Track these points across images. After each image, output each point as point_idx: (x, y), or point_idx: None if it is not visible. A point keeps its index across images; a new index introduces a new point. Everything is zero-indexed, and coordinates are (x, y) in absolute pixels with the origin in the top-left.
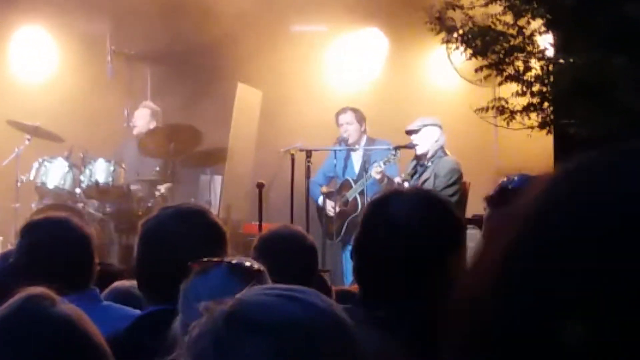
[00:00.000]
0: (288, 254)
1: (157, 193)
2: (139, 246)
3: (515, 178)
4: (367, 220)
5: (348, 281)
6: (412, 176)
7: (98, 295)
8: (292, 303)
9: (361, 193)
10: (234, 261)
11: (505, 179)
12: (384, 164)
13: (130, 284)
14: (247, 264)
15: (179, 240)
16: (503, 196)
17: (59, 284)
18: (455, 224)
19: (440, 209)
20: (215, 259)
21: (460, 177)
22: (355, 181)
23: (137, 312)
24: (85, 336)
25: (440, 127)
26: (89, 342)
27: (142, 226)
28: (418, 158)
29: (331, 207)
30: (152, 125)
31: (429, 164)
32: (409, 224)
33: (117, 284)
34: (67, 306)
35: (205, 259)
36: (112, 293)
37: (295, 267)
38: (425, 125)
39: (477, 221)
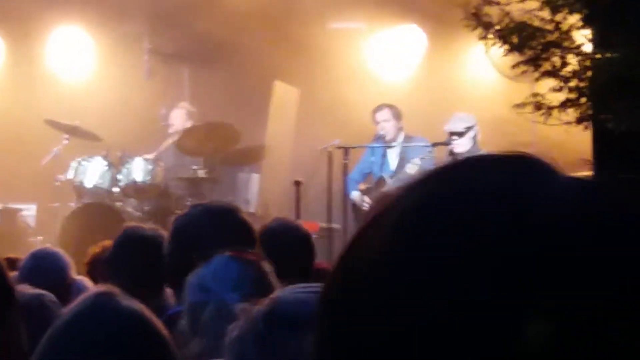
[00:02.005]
0: (282, 247)
1: (195, 191)
2: (169, 243)
3: None
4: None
5: None
6: None
7: None
8: None
9: None
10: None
11: None
12: (420, 161)
13: None
14: (248, 252)
15: (208, 238)
16: None
17: None
18: None
19: None
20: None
21: None
22: (391, 178)
23: None
24: (155, 329)
25: (476, 124)
26: (159, 335)
27: (172, 223)
28: (454, 154)
29: (367, 203)
30: (188, 124)
31: None
32: None
33: None
34: (133, 301)
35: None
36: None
37: (290, 258)
38: (469, 129)
39: None
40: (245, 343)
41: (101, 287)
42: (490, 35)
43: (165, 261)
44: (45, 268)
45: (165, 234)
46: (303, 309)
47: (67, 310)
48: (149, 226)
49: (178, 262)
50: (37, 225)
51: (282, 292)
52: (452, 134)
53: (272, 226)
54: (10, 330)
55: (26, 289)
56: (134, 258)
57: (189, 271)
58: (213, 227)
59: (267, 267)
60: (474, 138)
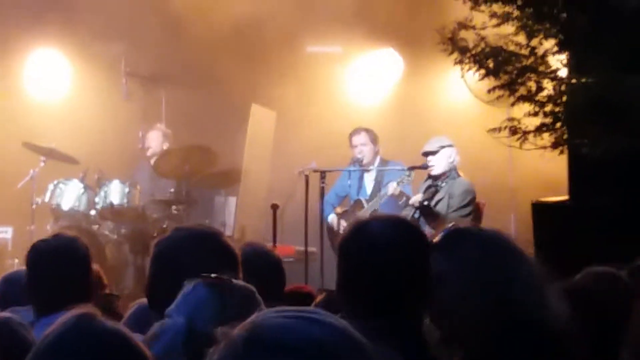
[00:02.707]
0: (254, 271)
1: (171, 214)
2: (151, 266)
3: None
4: (349, 242)
5: None
6: (429, 196)
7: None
8: (311, 324)
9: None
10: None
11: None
12: (398, 184)
13: None
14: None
15: (191, 262)
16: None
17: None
18: (426, 246)
19: (415, 232)
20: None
21: (473, 198)
22: (368, 201)
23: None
24: (138, 350)
25: (454, 146)
26: (141, 355)
27: (155, 246)
28: (432, 178)
29: (343, 227)
30: (165, 146)
31: (443, 184)
32: (388, 246)
33: (143, 300)
34: (115, 322)
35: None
36: (140, 309)
37: (262, 282)
38: (443, 147)
39: None
40: None
41: (80, 309)
42: (466, 60)
43: (146, 284)
44: (19, 290)
45: (77, 238)
46: (283, 335)
47: (48, 333)
48: (57, 236)
49: (160, 286)
50: (13, 248)
51: (260, 316)
52: (426, 154)
53: (244, 250)
54: None
55: None
56: (49, 273)
57: (171, 294)
58: (196, 251)
59: (239, 291)
60: (452, 162)
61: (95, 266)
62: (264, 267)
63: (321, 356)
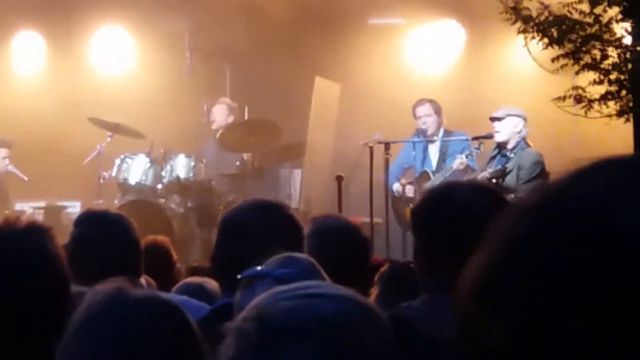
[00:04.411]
0: (341, 248)
1: (238, 188)
2: (217, 236)
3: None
4: (426, 210)
5: None
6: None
7: None
8: (319, 300)
9: None
10: (277, 272)
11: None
12: (466, 157)
13: (200, 280)
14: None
15: (256, 231)
16: None
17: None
18: None
19: (495, 197)
20: (260, 270)
21: (543, 169)
22: (434, 173)
23: (197, 302)
24: (186, 319)
25: (524, 119)
26: (189, 323)
27: (222, 217)
28: (500, 147)
29: (409, 194)
30: (230, 119)
31: (512, 155)
32: (469, 212)
33: (189, 279)
34: (149, 290)
35: (249, 272)
36: (183, 288)
37: (347, 261)
38: (509, 115)
39: None
40: None
41: (114, 281)
42: (530, 29)
43: (212, 254)
44: None
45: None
46: (294, 318)
47: (81, 308)
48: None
49: (226, 256)
50: None
51: (264, 301)
52: (492, 119)
53: (329, 225)
54: (65, 319)
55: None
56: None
57: (237, 265)
58: (260, 223)
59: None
60: (519, 132)
61: (164, 239)
62: (353, 245)
63: (336, 331)
